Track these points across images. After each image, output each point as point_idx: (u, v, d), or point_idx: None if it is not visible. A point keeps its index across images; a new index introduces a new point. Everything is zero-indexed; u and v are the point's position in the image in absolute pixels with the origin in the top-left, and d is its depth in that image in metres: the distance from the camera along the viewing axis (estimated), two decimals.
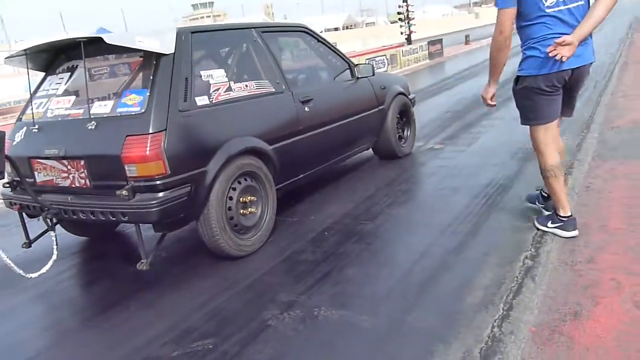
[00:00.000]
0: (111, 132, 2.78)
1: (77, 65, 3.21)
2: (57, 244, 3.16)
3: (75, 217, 2.96)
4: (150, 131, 2.67)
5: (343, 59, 4.50)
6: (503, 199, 3.81)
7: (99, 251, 3.82)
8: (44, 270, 3.02)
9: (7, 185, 3.33)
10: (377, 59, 14.35)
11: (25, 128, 3.23)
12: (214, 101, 3.12)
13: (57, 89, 3.25)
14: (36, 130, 3.12)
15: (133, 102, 2.80)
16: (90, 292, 3.25)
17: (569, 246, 2.91)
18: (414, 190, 4.40)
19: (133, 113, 2.78)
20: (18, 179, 3.12)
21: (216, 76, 3.21)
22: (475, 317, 2.36)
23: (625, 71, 9.03)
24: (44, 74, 3.45)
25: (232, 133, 3.14)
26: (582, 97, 7.34)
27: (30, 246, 3.37)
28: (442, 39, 19.14)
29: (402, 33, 18.78)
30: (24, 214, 3.30)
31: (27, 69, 3.24)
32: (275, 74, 3.63)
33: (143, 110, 2.76)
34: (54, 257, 3.09)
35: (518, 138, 5.38)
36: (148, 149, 2.65)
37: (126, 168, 2.70)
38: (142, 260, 2.86)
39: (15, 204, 3.26)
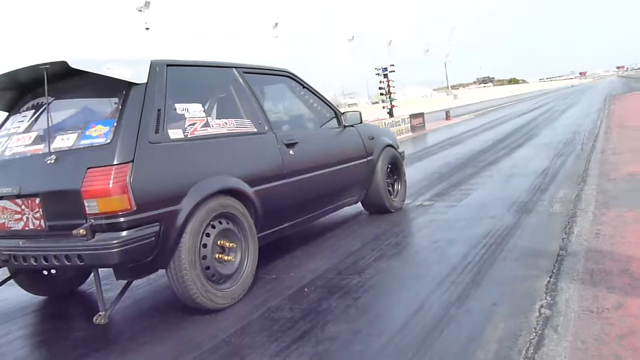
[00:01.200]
0: (71, 165, 2.51)
1: (42, 103, 2.93)
2: None
3: (26, 263, 2.59)
4: (115, 162, 2.40)
5: (329, 106, 4.33)
6: (504, 249, 3.41)
7: (54, 310, 3.38)
8: None
9: None
10: None
11: None
12: (189, 135, 2.86)
13: (19, 127, 2.99)
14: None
15: (98, 133, 2.55)
16: (28, 357, 2.75)
17: (590, 292, 2.50)
18: (405, 244, 3.97)
19: (97, 144, 2.52)
20: None
21: (192, 110, 2.95)
22: None
23: (610, 134, 8.98)
24: (6, 114, 3.20)
25: (209, 170, 2.86)
26: (570, 155, 7.19)
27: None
28: (423, 112, 19.38)
29: (384, 107, 19.00)
30: None
31: (17, 110, 3.06)
32: (257, 114, 3.40)
33: (108, 141, 2.50)
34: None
35: (511, 192, 5.16)
36: (112, 181, 2.36)
37: (86, 204, 2.39)
38: (100, 313, 2.48)
39: None
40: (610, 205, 4.06)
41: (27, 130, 2.93)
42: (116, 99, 2.65)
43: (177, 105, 2.88)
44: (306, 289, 3.08)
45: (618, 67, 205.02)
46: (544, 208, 4.36)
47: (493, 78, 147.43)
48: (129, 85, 2.67)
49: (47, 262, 2.50)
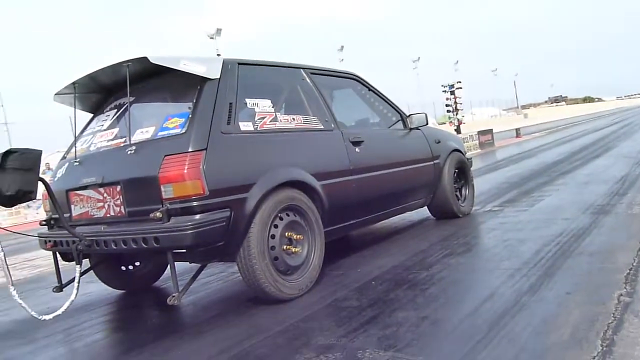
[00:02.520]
0: (150, 154, 2.65)
1: (123, 102, 3.14)
2: (79, 283, 2.88)
3: (106, 247, 2.69)
4: (190, 150, 2.52)
5: (395, 109, 4.37)
6: (580, 245, 3.26)
7: (131, 302, 3.58)
8: (59, 312, 2.77)
9: (44, 223, 3.22)
10: None
11: (67, 164, 3.19)
12: (258, 128, 2.96)
13: (103, 125, 3.22)
14: (77, 164, 3.07)
15: (174, 125, 2.69)
16: (107, 339, 2.92)
17: None
18: (474, 243, 3.87)
19: (173, 134, 2.66)
20: (56, 216, 3.07)
21: (262, 105, 3.07)
22: (565, 356, 1.81)
23: None
24: (91, 115, 3.45)
25: (277, 162, 2.93)
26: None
27: (62, 290, 3.18)
28: (492, 129, 18.89)
29: (450, 124, 18.72)
30: (58, 257, 3.19)
31: (74, 106, 3.21)
32: (323, 112, 3.47)
33: (183, 131, 2.63)
34: (73, 296, 2.80)
35: (586, 198, 4.93)
36: (186, 167, 2.47)
37: (162, 189, 2.52)
38: (174, 294, 2.55)
39: (48, 241, 3.08)
40: None
41: (110, 127, 3.14)
42: (191, 94, 2.77)
43: (247, 100, 2.98)
44: (373, 282, 3.07)
45: None
46: (623, 210, 4.15)
47: (566, 97, 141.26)
48: (203, 80, 2.80)
49: (125, 245, 2.58)
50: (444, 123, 20.79)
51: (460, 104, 19.01)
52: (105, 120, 3.23)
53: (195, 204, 2.47)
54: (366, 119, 4.26)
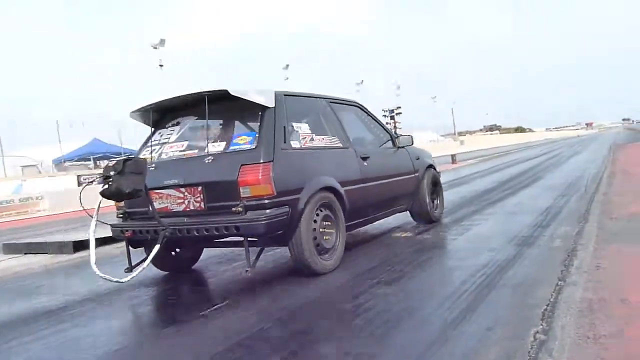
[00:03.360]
0: (227, 163, 3.38)
1: (181, 121, 3.97)
2: (151, 257, 3.38)
3: (189, 234, 3.38)
4: (262, 161, 3.29)
5: (386, 131, 5.27)
6: (504, 277, 3.35)
7: (183, 280, 4.24)
8: (134, 274, 3.40)
9: (121, 216, 3.87)
10: None
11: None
12: (302, 146, 3.79)
13: (169, 138, 3.91)
14: (153, 168, 3.61)
15: (244, 142, 3.45)
16: (164, 307, 3.66)
17: (586, 320, 2.44)
18: (406, 271, 3.88)
19: (245, 149, 3.40)
20: (130, 210, 3.78)
21: (303, 128, 3.92)
22: None
23: (613, 178, 8.93)
24: (152, 129, 4.11)
25: (316, 172, 3.77)
26: (574, 196, 7.15)
27: (132, 271, 3.60)
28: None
29: None
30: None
31: (151, 123, 4.04)
32: (341, 133, 4.34)
33: (254, 147, 3.38)
34: (145, 264, 3.39)
35: (513, 228, 5.09)
36: (260, 174, 3.25)
37: (241, 190, 3.26)
38: (247, 268, 3.34)
39: (127, 231, 3.69)
40: (611, 241, 4.00)
41: (178, 140, 3.84)
42: (254, 118, 3.54)
43: (293, 124, 3.77)
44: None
45: (624, 120, 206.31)
46: (545, 242, 4.31)
47: (500, 126, 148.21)
48: (263, 108, 3.54)
49: (207, 232, 3.28)
50: None
51: (400, 128, 19.47)
52: (171, 134, 3.93)
53: (266, 201, 3.24)
54: (368, 138, 5.00)
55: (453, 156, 24.36)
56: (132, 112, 4.04)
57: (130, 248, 3.82)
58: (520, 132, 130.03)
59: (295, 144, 3.72)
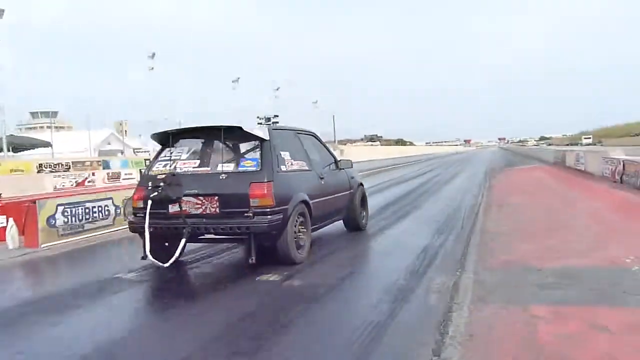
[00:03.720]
0: (239, 180, 5.10)
1: (187, 143, 5.80)
2: (183, 250, 5.38)
3: (206, 232, 5.24)
4: (265, 180, 5.00)
5: (332, 155, 7.31)
6: (378, 348, 3.31)
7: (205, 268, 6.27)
8: (172, 260, 5.27)
9: (134, 213, 5.53)
10: None
11: (158, 180, 5.36)
12: (287, 170, 5.56)
13: (180, 156, 5.63)
14: (169, 180, 5.33)
15: (250, 165, 5.22)
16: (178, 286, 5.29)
17: None
18: (280, 323, 3.73)
19: (252, 170, 5.16)
20: (141, 206, 5.47)
21: (285, 155, 5.67)
22: None
23: (489, 212, 9.62)
24: (160, 146, 5.91)
25: (296, 189, 5.57)
26: (451, 233, 7.53)
27: (146, 258, 5.39)
28: None
29: None
30: (147, 237, 5.33)
31: (170, 145, 5.79)
32: (306, 158, 6.20)
33: (259, 169, 5.16)
34: (177, 253, 5.25)
35: (389, 275, 5.21)
36: (265, 190, 4.96)
37: (251, 201, 4.94)
38: (252, 257, 5.14)
39: (150, 227, 5.33)
40: (486, 300, 4.19)
41: (190, 158, 5.57)
42: (256, 146, 5.43)
43: (280, 152, 5.53)
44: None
45: (500, 139, 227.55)
46: (421, 297, 4.46)
47: (381, 137, 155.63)
48: (262, 140, 5.37)
49: (223, 230, 5.04)
50: None
51: None
52: (180, 153, 5.68)
53: (268, 210, 4.91)
54: (320, 161, 6.76)
55: None
56: (154, 134, 5.99)
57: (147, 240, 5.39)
58: (401, 144, 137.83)
59: (283, 167, 5.58)
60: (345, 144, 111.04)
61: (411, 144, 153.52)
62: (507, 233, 7.30)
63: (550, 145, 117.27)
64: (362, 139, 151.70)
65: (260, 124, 18.96)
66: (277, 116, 19.27)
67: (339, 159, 7.40)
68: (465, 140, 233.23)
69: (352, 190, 7.53)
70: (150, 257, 5.28)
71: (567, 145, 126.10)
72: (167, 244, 5.57)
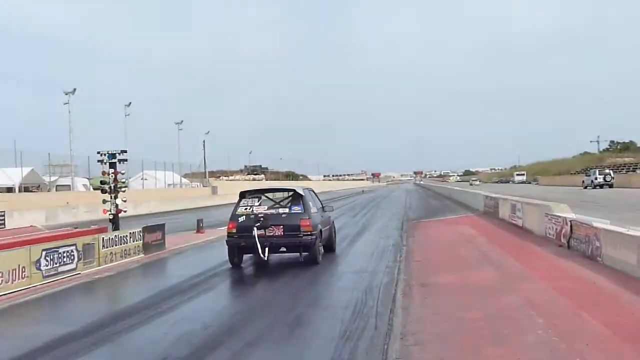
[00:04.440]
0: (293, 217, 14.41)
1: (257, 196, 15.28)
2: (268, 255, 13.74)
3: (274, 246, 14.07)
4: (307, 218, 14.37)
5: (321, 202, 16.36)
6: None
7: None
8: (267, 256, 13.74)
9: (231, 235, 14.25)
10: (61, 250, 13.02)
11: (244, 216, 14.34)
12: (313, 211, 14.89)
13: (254, 203, 14.81)
14: (253, 217, 14.33)
15: (297, 210, 14.57)
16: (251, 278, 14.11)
17: None
18: None
19: (299, 212, 14.55)
20: (240, 234, 14.24)
21: (310, 203, 15.06)
22: None
23: (410, 299, 9.45)
24: (240, 196, 15.29)
25: (318, 222, 14.90)
26: (361, 339, 7.20)
27: (233, 265, 14.42)
28: (164, 223, 18.93)
29: (105, 211, 18.01)
30: (238, 249, 14.30)
31: (247, 198, 15.22)
32: (317, 204, 15.86)
33: (303, 211, 14.58)
34: (265, 258, 13.79)
35: None
36: (307, 222, 14.27)
37: (301, 228, 14.18)
38: (301, 259, 14.36)
39: (243, 243, 14.07)
40: None
41: (261, 205, 14.82)
42: (298, 198, 14.87)
43: (310, 202, 15.09)
44: None
45: (416, 173, 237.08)
46: None
47: (266, 169, 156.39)
48: (301, 195, 14.93)
49: (286, 245, 14.25)
50: (104, 191, 19.66)
51: (124, 181, 18.54)
52: (254, 201, 14.90)
53: (309, 233, 14.22)
54: (319, 205, 16.02)
55: (199, 222, 24.11)
56: (244, 191, 15.47)
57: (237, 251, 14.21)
58: (292, 178, 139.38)
59: (313, 210, 14.59)
60: (218, 177, 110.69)
61: (305, 177, 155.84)
62: (431, 338, 7.12)
63: (475, 182, 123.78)
64: (242, 170, 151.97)
65: (100, 161, 17.83)
66: (125, 152, 18.24)
67: (324, 205, 16.77)
68: (373, 174, 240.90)
69: (330, 225, 16.64)
70: (263, 255, 13.59)
71: (497, 182, 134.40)
72: (244, 252, 14.21)
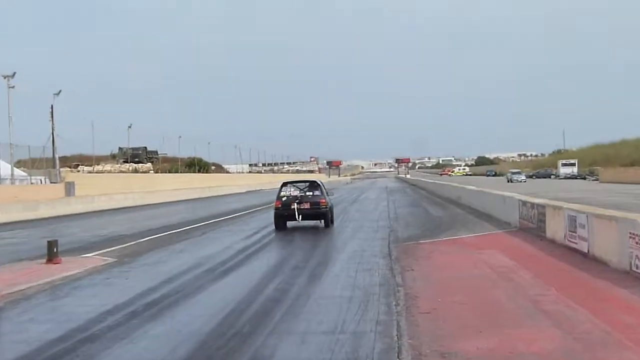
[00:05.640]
0: (316, 198, 46.90)
1: (291, 184, 48.78)
2: (300, 220, 41.80)
3: (305, 214, 45.22)
4: (325, 199, 46.98)
5: (326, 190, 49.77)
6: None
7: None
8: (299, 221, 42.11)
9: (278, 208, 45.31)
10: None
11: (285, 197, 45.58)
12: (328, 194, 49.98)
13: (292, 190, 47.68)
14: (292, 197, 46.94)
15: (317, 193, 46.64)
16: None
17: None
18: None
19: (319, 194, 46.80)
20: (284, 208, 45.52)
21: (326, 190, 49.88)
22: None
23: None
24: (281, 185, 48.36)
25: (330, 201, 50.82)
26: None
27: (278, 228, 43.82)
28: None
29: None
30: (284, 215, 44.13)
31: (286, 186, 47.70)
32: (326, 190, 50.94)
33: (320, 194, 46.69)
34: (299, 221, 43.12)
35: None
36: (325, 201, 46.81)
37: (320, 205, 46.55)
38: (321, 225, 46.70)
39: (285, 213, 44.02)
40: None
41: (295, 189, 48.69)
42: (317, 186, 48.50)
43: (324, 188, 51.09)
44: None
45: (398, 161, 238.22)
46: None
47: (155, 153, 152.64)
48: (321, 184, 50.64)
49: (311, 214, 46.39)
50: None
51: None
52: (291, 188, 47.63)
53: (326, 207, 47.83)
54: (325, 191, 49.39)
55: (52, 244, 23.35)
56: (285, 182, 47.56)
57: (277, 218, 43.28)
58: (201, 170, 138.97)
59: (327, 194, 47.56)
60: (76, 167, 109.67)
61: (220, 169, 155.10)
62: None
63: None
64: (114, 157, 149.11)
65: None
66: None
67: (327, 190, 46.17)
68: (328, 163, 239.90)
69: (331, 205, 45.40)
70: (298, 220, 40.60)
71: (532, 176, 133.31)
72: (286, 220, 41.27)
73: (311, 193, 46.04)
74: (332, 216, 48.35)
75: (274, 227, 46.26)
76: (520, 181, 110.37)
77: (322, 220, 46.47)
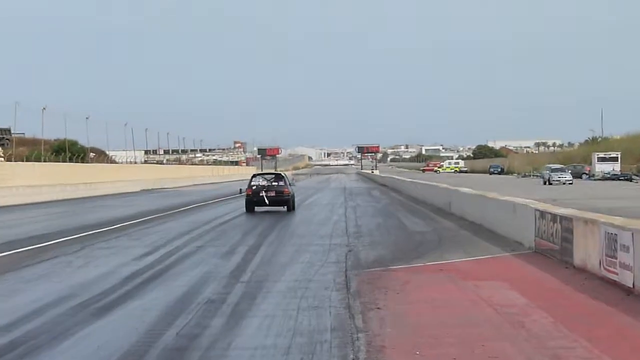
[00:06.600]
0: (280, 187, 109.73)
1: (260, 176, 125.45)
2: (268, 204, 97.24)
3: (272, 201, 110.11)
4: (288, 188, 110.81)
5: (289, 180, 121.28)
6: None
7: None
8: (267, 207, 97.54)
9: (247, 194, 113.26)
10: None
11: (255, 186, 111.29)
12: (290, 184, 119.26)
13: (260, 180, 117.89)
14: (260, 186, 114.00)
15: (281, 183, 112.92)
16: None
17: None
18: None
19: (283, 184, 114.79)
20: (255, 194, 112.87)
21: (289, 180, 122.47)
22: None
23: None
24: (252, 176, 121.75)
25: (292, 191, 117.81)
26: None
27: (254, 210, 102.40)
28: None
29: None
30: (254, 201, 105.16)
31: (255, 177, 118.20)
32: (289, 181, 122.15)
33: (284, 184, 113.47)
34: (268, 204, 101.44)
35: None
36: (288, 190, 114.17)
37: (284, 193, 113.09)
38: (284, 209, 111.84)
39: (255, 199, 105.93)
40: None
41: (263, 181, 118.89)
42: (281, 178, 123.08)
43: (287, 180, 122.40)
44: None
45: (360, 151, 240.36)
46: None
47: (8, 131, 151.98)
48: (283, 176, 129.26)
49: (276, 200, 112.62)
50: None
51: None
52: (260, 179, 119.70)
53: (289, 196, 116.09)
54: (288, 181, 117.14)
55: None
56: (256, 174, 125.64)
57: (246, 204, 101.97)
58: (73, 158, 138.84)
59: (289, 184, 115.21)
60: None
61: (103, 157, 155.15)
62: None
63: (500, 171, 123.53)
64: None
65: None
66: None
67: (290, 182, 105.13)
68: (261, 151, 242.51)
69: (293, 193, 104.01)
70: (267, 204, 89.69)
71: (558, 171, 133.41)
72: (256, 205, 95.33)
73: (276, 183, 76.78)
74: (293, 203, 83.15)
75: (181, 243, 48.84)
76: (565, 182, 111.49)
77: (286, 207, 78.84)
